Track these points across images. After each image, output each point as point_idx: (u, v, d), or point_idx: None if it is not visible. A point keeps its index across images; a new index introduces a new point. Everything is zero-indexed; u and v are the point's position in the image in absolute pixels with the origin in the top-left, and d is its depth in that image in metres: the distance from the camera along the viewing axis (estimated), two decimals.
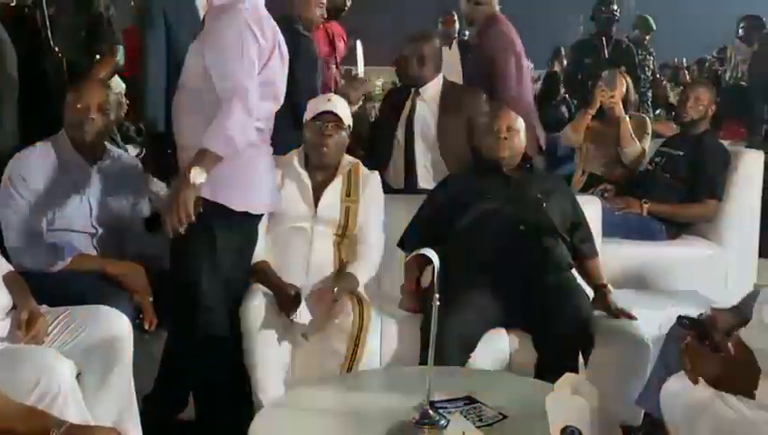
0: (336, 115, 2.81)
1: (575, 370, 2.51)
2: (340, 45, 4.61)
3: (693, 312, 2.35)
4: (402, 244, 2.98)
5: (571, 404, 1.74)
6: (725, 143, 4.09)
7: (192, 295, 2.51)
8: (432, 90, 3.48)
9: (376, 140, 3.64)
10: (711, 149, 3.70)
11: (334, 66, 4.50)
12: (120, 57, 3.31)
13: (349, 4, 4.73)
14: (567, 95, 6.52)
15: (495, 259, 2.75)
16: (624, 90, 4.15)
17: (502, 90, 3.75)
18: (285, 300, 2.64)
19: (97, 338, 2.30)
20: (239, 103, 2.37)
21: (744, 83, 6.12)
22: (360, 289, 2.80)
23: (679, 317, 1.80)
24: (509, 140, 2.94)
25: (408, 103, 3.50)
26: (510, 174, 2.98)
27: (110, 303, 2.41)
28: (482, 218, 2.84)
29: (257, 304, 2.62)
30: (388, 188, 3.16)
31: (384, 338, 2.74)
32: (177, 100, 2.60)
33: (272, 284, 2.70)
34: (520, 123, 3.00)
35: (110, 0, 3.32)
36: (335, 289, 2.65)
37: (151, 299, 2.60)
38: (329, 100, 2.86)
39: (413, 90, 3.51)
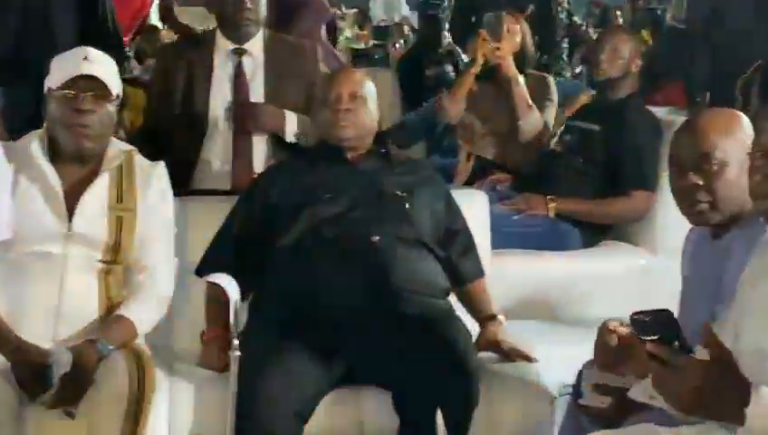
0: (98, 81, 2.80)
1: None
2: None
3: None
4: (201, 272, 3.00)
5: None
6: (662, 111, 4.34)
7: None
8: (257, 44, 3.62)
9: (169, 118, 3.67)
10: (636, 121, 3.92)
11: None
12: None
13: None
14: (453, 47, 6.71)
15: (335, 286, 2.81)
16: (518, 39, 4.34)
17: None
18: (28, 374, 2.60)
19: None
20: None
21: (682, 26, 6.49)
22: (140, 339, 2.81)
23: (634, 314, 1.90)
24: (353, 112, 3.02)
25: (224, 61, 3.60)
26: (356, 163, 3.06)
27: None
28: (315, 229, 2.90)
29: None
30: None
31: (176, 409, 2.76)
32: None
33: (4, 345, 2.64)
34: (368, 88, 3.09)
35: None
36: (98, 342, 2.64)
37: None
38: (85, 58, 2.84)
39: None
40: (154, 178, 2.93)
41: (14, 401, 2.62)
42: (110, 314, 2.79)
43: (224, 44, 3.66)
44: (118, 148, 2.92)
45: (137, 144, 3.07)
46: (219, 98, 3.62)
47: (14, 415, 2.61)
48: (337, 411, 2.76)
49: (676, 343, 1.84)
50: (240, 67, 3.64)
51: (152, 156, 3.03)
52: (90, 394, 2.62)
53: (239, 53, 3.64)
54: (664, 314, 1.87)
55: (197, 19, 5.77)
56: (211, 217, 3.12)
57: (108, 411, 2.59)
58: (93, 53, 2.91)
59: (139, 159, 2.94)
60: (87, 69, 2.80)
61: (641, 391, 2.08)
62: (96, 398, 2.61)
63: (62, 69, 2.83)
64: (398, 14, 11.03)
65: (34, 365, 2.61)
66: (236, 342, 1.99)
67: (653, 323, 1.85)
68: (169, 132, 3.64)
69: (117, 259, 2.83)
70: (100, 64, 2.86)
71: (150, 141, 3.54)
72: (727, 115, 2.43)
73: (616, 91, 4.00)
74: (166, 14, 4.35)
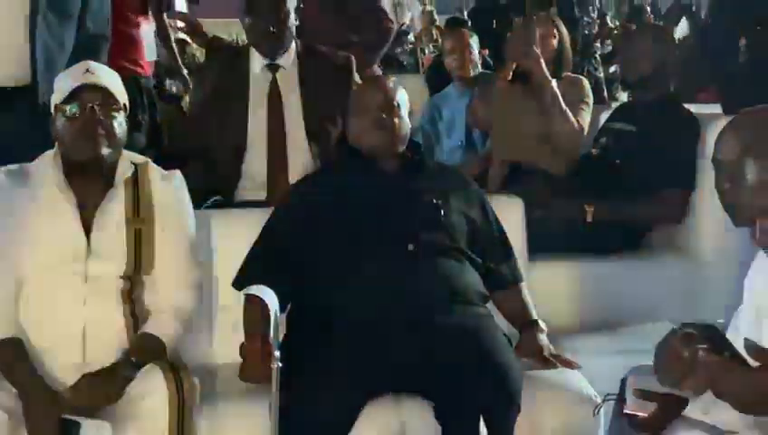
0: (103, 90, 2.84)
1: None
2: None
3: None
4: (240, 283, 3.04)
5: None
6: (704, 109, 4.34)
7: None
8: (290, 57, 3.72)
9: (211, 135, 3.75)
10: (672, 120, 3.94)
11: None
12: None
13: None
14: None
15: (373, 296, 2.85)
16: (556, 42, 4.39)
17: None
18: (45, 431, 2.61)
19: None
20: None
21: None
22: (174, 352, 2.86)
23: (682, 325, 1.97)
24: (387, 120, 3.08)
25: (259, 76, 3.69)
26: (390, 170, 3.12)
27: None
28: (351, 238, 2.96)
29: None
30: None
31: (218, 423, 2.81)
32: None
33: (25, 387, 2.66)
34: (401, 96, 3.15)
35: None
36: (122, 367, 2.71)
37: None
38: (87, 70, 2.88)
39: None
40: (171, 189, 2.97)
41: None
42: (136, 330, 2.83)
43: (257, 59, 3.74)
44: (129, 160, 2.94)
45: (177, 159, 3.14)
46: (257, 114, 3.71)
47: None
48: (378, 421, 2.79)
49: (727, 353, 1.93)
50: (275, 83, 3.72)
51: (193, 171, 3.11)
52: (131, 411, 2.67)
53: (273, 68, 3.72)
54: (710, 328, 1.96)
55: (220, 29, 5.89)
56: (239, 229, 3.18)
57: (151, 426, 2.64)
58: (94, 65, 2.95)
59: (155, 170, 2.96)
60: (90, 79, 2.84)
61: (700, 407, 2.14)
62: (137, 414, 2.66)
63: (65, 83, 2.86)
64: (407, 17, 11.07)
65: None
66: (277, 353, 2.02)
67: (701, 333, 1.96)
68: (212, 148, 3.72)
69: (138, 274, 2.86)
70: (103, 74, 2.89)
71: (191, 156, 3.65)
72: None
73: (650, 90, 4.03)
74: (192, 30, 4.40)
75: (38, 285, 2.80)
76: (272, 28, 3.66)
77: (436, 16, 10.86)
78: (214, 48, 4.40)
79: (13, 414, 2.64)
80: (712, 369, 1.93)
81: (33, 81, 3.42)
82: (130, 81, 4.11)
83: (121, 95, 2.90)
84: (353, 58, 3.83)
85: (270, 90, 3.71)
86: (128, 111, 2.94)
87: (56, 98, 2.87)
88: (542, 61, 4.26)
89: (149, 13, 4.41)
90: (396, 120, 3.10)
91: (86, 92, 2.82)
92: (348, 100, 3.34)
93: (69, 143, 2.84)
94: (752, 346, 1.98)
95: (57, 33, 3.48)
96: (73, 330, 2.77)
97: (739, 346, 2.07)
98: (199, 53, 6.56)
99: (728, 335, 2.18)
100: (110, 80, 2.90)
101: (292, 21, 3.70)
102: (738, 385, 1.91)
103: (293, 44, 3.74)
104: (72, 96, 2.82)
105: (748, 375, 1.91)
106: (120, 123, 2.87)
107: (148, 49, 4.31)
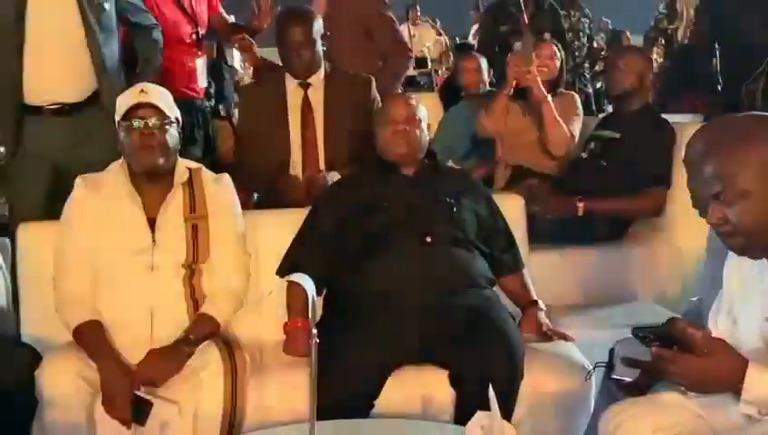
0: (155, 108, 2.84)
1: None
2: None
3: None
4: (283, 270, 3.04)
5: None
6: (684, 118, 4.30)
7: None
8: (319, 77, 3.68)
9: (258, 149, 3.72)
10: (650, 128, 3.91)
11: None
12: None
13: None
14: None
15: (397, 281, 2.84)
16: (557, 63, 4.40)
17: None
18: (118, 400, 2.60)
19: None
20: None
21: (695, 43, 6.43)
22: (227, 330, 2.86)
23: (634, 330, 1.99)
24: (409, 132, 3.05)
25: (294, 93, 3.68)
26: (411, 175, 3.10)
27: None
28: (378, 232, 2.94)
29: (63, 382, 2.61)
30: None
31: (266, 389, 2.79)
32: None
33: (103, 363, 2.66)
34: (421, 111, 3.12)
35: None
36: (189, 339, 2.71)
37: None
38: (141, 90, 2.88)
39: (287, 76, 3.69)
40: (220, 189, 2.96)
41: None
42: (196, 310, 2.83)
43: (291, 79, 3.71)
44: (184, 166, 2.95)
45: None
46: (294, 125, 3.68)
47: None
48: (402, 388, 2.77)
49: (675, 346, 1.98)
50: (306, 98, 3.69)
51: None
52: (191, 382, 2.67)
53: (304, 86, 3.69)
54: (658, 327, 2.04)
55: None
56: (281, 226, 3.15)
57: (209, 395, 2.65)
58: (149, 86, 2.96)
59: (206, 174, 2.97)
60: (144, 98, 2.84)
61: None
62: (197, 384, 2.66)
63: (124, 102, 2.87)
64: None
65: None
66: (315, 330, 2.01)
67: (652, 334, 2.03)
68: (259, 157, 3.69)
69: (196, 263, 2.86)
70: (155, 94, 2.88)
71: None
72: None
73: (631, 103, 3.99)
74: (247, 50, 4.42)
75: (112, 275, 2.82)
76: (300, 56, 3.63)
77: (446, 45, 10.84)
78: (263, 68, 4.41)
79: (93, 385, 2.65)
80: (664, 360, 1.96)
81: (97, 93, 3.46)
82: (188, 103, 4.14)
83: (172, 111, 2.89)
84: (373, 78, 3.80)
85: (303, 105, 3.67)
86: (180, 124, 2.94)
87: (117, 115, 2.87)
88: (538, 79, 4.27)
89: (203, 51, 4.47)
90: (416, 131, 3.07)
91: (141, 110, 2.82)
92: (366, 112, 3.31)
93: (130, 154, 2.86)
94: (704, 334, 1.99)
95: (109, 48, 3.51)
96: (142, 313, 2.79)
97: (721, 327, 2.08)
98: (247, 77, 6.56)
99: (710, 315, 2.16)
100: (162, 98, 2.89)
101: (319, 47, 3.67)
102: (684, 371, 1.94)
103: (322, 66, 3.71)
104: (130, 113, 2.82)
105: (690, 363, 1.93)
106: (171, 135, 2.87)
107: (201, 77, 4.39)
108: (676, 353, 1.93)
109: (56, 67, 3.43)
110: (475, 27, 10.26)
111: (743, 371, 1.87)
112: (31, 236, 3.09)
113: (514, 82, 4.31)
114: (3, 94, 3.47)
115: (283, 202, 3.47)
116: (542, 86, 4.25)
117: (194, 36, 4.35)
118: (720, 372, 1.90)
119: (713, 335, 1.99)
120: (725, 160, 1.90)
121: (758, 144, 1.89)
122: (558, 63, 4.47)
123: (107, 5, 3.49)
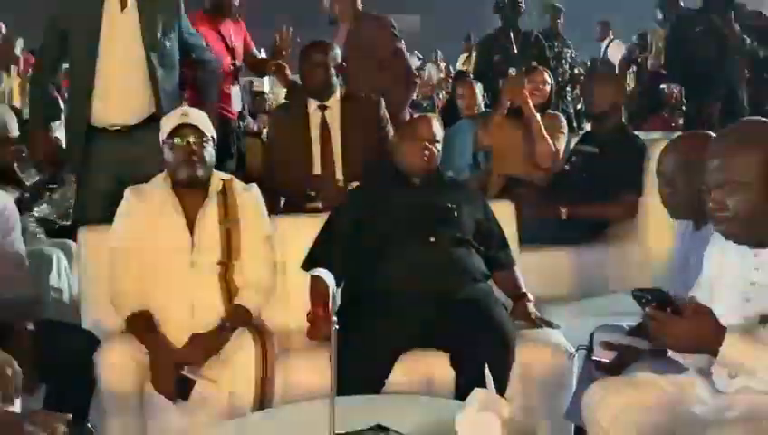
0: (195, 128, 2.90)
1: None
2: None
3: (621, 319, 2.62)
4: (307, 266, 3.10)
5: (480, 421, 1.90)
6: (653, 135, 4.33)
7: None
8: (335, 99, 3.75)
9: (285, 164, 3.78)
10: (624, 142, 3.94)
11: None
12: None
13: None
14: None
15: (404, 275, 2.90)
16: (548, 88, 4.47)
17: None
18: (164, 378, 2.68)
19: None
20: None
21: (663, 71, 6.51)
22: (258, 318, 2.90)
23: (634, 291, 2.02)
24: (431, 149, 3.09)
25: (314, 114, 3.74)
26: (418, 183, 3.14)
27: None
28: (389, 232, 2.99)
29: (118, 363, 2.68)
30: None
31: (292, 370, 2.84)
32: None
33: (152, 347, 2.72)
34: (440, 130, 3.18)
35: None
36: (225, 326, 2.76)
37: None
38: (183, 113, 2.95)
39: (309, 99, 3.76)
40: (249, 197, 3.01)
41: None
42: (230, 302, 2.87)
43: (312, 101, 3.78)
44: (219, 177, 3.00)
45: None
46: (315, 142, 3.74)
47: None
48: (410, 369, 2.82)
49: (669, 308, 1.98)
50: (324, 119, 3.75)
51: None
52: (228, 363, 2.72)
53: (322, 108, 3.76)
54: (657, 291, 2.02)
55: None
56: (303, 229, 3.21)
57: (243, 374, 2.70)
58: (189, 108, 3.05)
59: (237, 184, 3.01)
60: (185, 120, 2.91)
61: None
62: (233, 365, 2.71)
63: (167, 123, 2.94)
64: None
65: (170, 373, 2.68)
66: (335, 318, 2.07)
67: (650, 295, 2.00)
68: (286, 171, 3.76)
69: (229, 260, 2.90)
70: (195, 115, 2.95)
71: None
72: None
73: (607, 122, 4.01)
74: (281, 72, 4.49)
75: (157, 272, 2.86)
76: (315, 75, 3.72)
77: (444, 72, 10.89)
78: (292, 89, 4.50)
79: (143, 366, 2.71)
80: (657, 320, 1.99)
81: (153, 116, 3.49)
82: (225, 123, 4.22)
83: (209, 130, 2.95)
84: (382, 99, 3.85)
85: (321, 124, 3.74)
86: (215, 142, 2.99)
87: (162, 134, 2.93)
88: (529, 100, 4.30)
89: (238, 79, 4.59)
90: (436, 147, 3.12)
91: (183, 129, 2.88)
92: (376, 128, 3.39)
93: (173, 167, 2.91)
94: (691, 301, 2.05)
95: (168, 81, 3.58)
96: (185, 304, 2.83)
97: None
98: (275, 102, 6.64)
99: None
100: (201, 119, 2.95)
101: (333, 72, 3.75)
102: (671, 331, 1.98)
103: (338, 90, 3.78)
104: (173, 133, 2.89)
105: (681, 324, 1.96)
106: (209, 151, 2.93)
107: (236, 100, 4.48)
108: (667, 315, 1.97)
109: (121, 98, 3.50)
110: (464, 56, 10.35)
111: (721, 337, 1.93)
112: (90, 238, 3.16)
113: (508, 103, 4.36)
114: (77, 120, 3.56)
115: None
116: (531, 105, 4.29)
117: (231, 67, 4.46)
118: (702, 337, 1.95)
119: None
120: (731, 157, 2.00)
121: (759, 144, 2.00)
122: (548, 88, 4.52)
123: (168, 44, 3.55)
